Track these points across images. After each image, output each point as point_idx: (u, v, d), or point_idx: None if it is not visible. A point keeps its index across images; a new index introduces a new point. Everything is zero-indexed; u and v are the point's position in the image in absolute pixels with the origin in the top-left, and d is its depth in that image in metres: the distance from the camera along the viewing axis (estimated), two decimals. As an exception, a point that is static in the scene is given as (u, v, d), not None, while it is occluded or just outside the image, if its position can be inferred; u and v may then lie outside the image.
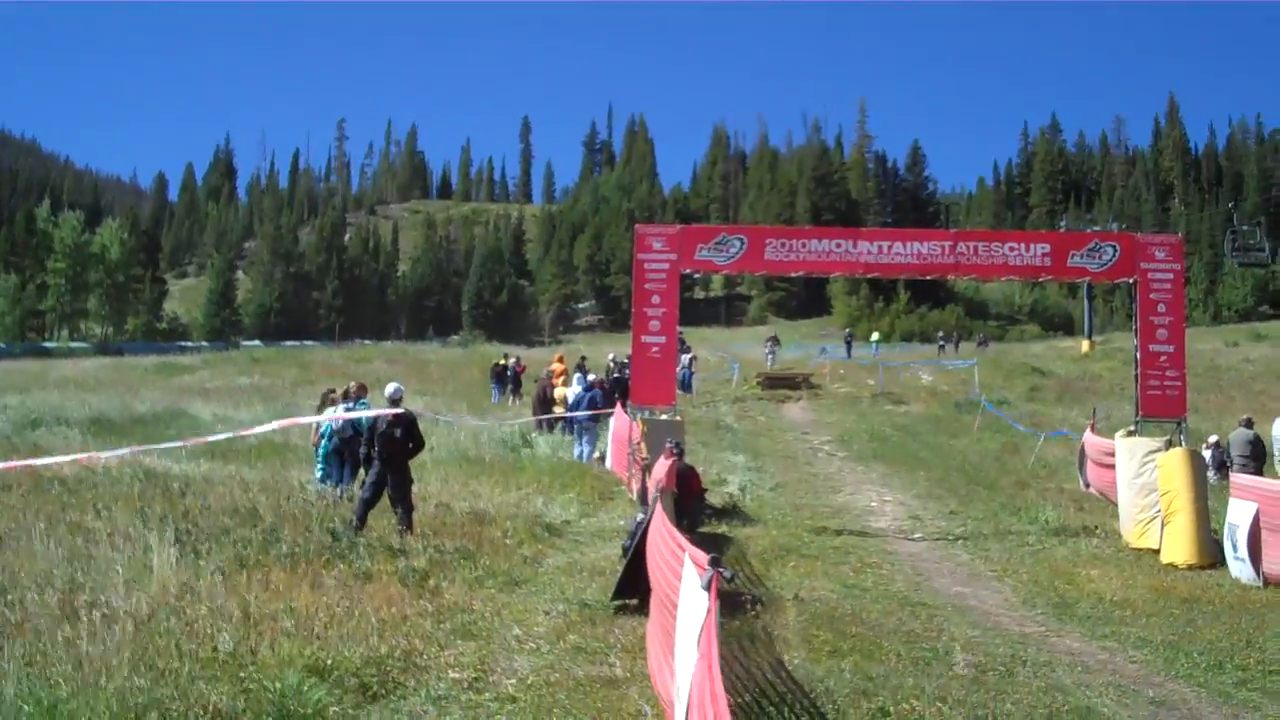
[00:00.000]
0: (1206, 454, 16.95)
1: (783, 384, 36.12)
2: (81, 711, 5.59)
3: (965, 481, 18.65)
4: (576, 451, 19.61)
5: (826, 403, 32.91)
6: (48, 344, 74.08)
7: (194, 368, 39.74)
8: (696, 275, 51.10)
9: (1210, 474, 15.29)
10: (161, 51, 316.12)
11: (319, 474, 14.10)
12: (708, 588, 4.72)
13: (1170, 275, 14.11)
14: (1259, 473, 15.28)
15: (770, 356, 45.14)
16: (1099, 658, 8.08)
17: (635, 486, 14.52)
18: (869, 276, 16.68)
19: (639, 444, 14.65)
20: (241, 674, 6.39)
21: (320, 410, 15.29)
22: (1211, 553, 11.91)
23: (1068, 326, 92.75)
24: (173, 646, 6.75)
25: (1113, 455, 14.39)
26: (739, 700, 6.46)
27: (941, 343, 61.64)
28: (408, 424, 11.57)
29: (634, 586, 8.61)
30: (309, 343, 71.93)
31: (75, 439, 18.55)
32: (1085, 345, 50.58)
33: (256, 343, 72.64)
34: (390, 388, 12.04)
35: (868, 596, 9.96)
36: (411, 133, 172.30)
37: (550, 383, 23.68)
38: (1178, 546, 12.09)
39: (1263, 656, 8.08)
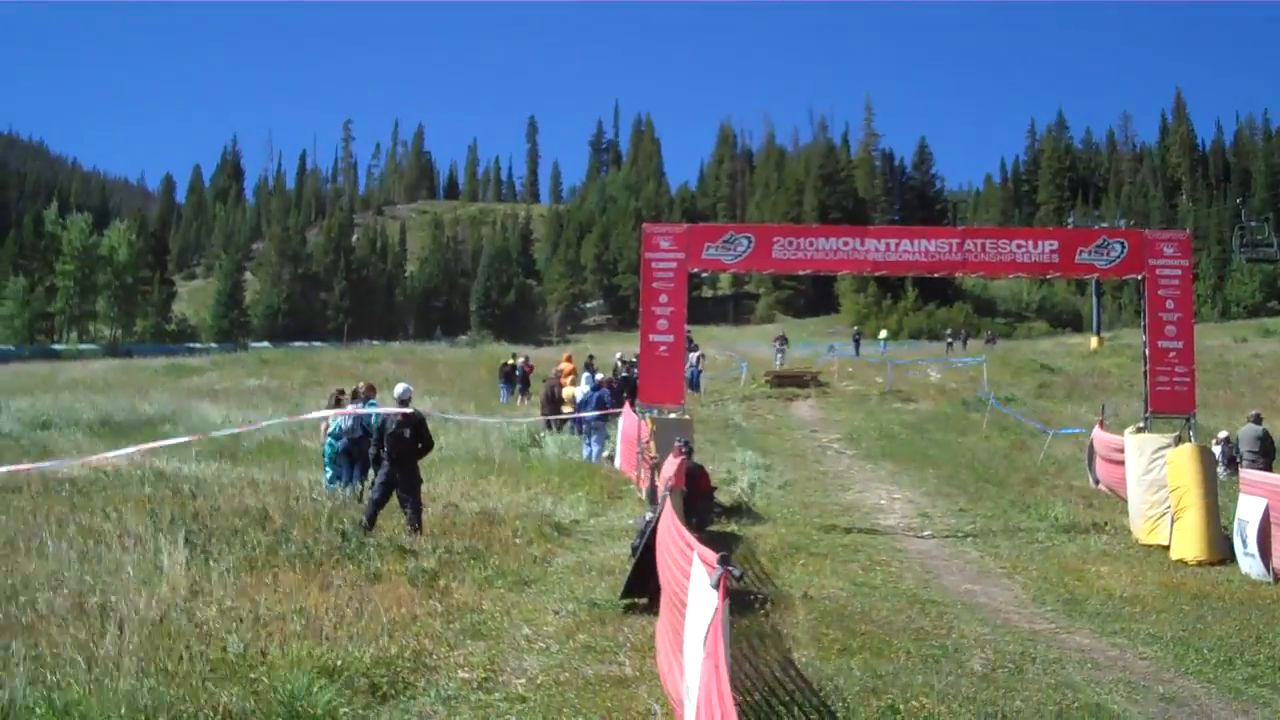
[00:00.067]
0: (1216, 450, 16.90)
1: (791, 382, 36.10)
2: (93, 712, 5.61)
3: (974, 479, 18.62)
4: (585, 451, 19.62)
5: (835, 401, 32.89)
6: (57, 346, 74.43)
7: (203, 369, 39.82)
8: (704, 274, 51.02)
9: (1220, 470, 15.25)
10: (168, 53, 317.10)
11: (328, 475, 14.14)
12: (717, 586, 4.72)
13: (1178, 271, 14.08)
14: (1268, 468, 15.27)
15: (779, 356, 45.09)
16: (1109, 654, 8.06)
17: (644, 485, 14.51)
18: (877, 274, 16.66)
19: (648, 443, 14.65)
20: (251, 675, 6.40)
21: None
22: (1221, 549, 11.89)
23: (1076, 323, 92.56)
24: (183, 648, 6.76)
25: (1122, 452, 14.36)
26: (748, 699, 6.46)
27: (949, 340, 61.66)
28: (417, 424, 11.59)
29: (643, 585, 8.62)
30: (317, 344, 72.18)
31: (84, 440, 18.62)
32: (1094, 342, 50.49)
33: (265, 344, 72.89)
34: (399, 388, 12.06)
35: (877, 594, 9.95)
36: (418, 133, 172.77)
37: (559, 382, 23.68)
38: (1187, 542, 12.07)
39: (1273, 652, 8.05)
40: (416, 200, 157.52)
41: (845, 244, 14.48)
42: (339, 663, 6.71)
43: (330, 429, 13.99)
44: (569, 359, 26.53)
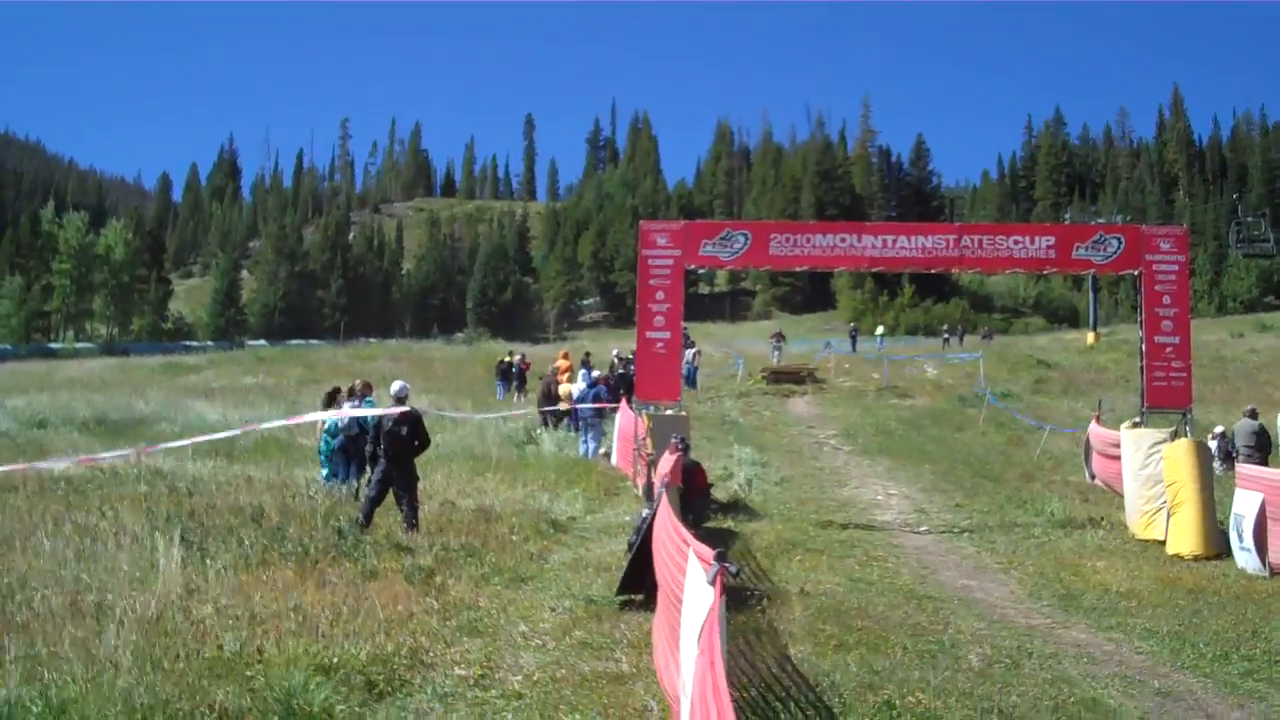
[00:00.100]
0: (1212, 445, 16.90)
1: (788, 378, 36.12)
2: (89, 711, 5.60)
3: (971, 474, 18.63)
4: (582, 448, 19.62)
5: (831, 397, 32.91)
6: (53, 345, 74.34)
7: (199, 367, 39.82)
8: (701, 271, 50.99)
9: (1216, 464, 15.26)
10: (165, 52, 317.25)
11: (324, 472, 14.13)
12: (713, 582, 4.72)
13: (1175, 267, 14.07)
14: (1264, 463, 15.27)
15: (776, 354, 45.04)
16: (1105, 649, 8.07)
17: (641, 482, 14.52)
18: (873, 271, 16.63)
19: (644, 439, 14.65)
20: (248, 673, 6.39)
21: (325, 409, 15.30)
22: (1217, 543, 11.90)
23: (1072, 319, 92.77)
24: (179, 646, 6.76)
25: (1118, 447, 14.37)
26: (745, 695, 6.46)
27: (946, 336, 61.67)
28: (413, 422, 11.58)
29: (638, 582, 8.61)
30: (314, 342, 72.10)
31: (80, 439, 18.60)
32: (1090, 337, 50.55)
33: (262, 342, 72.80)
34: (396, 385, 12.04)
35: (873, 590, 9.95)
36: (415, 131, 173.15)
37: (555, 379, 23.68)
38: (1184, 537, 12.08)
39: (1269, 647, 8.06)
40: (413, 198, 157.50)
41: (842, 240, 14.47)
42: (335, 660, 6.71)
43: (326, 426, 13.99)
44: (566, 356, 26.53)
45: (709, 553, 5.03)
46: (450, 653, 7.37)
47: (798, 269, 15.62)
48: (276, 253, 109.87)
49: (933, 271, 16.53)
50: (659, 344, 14.50)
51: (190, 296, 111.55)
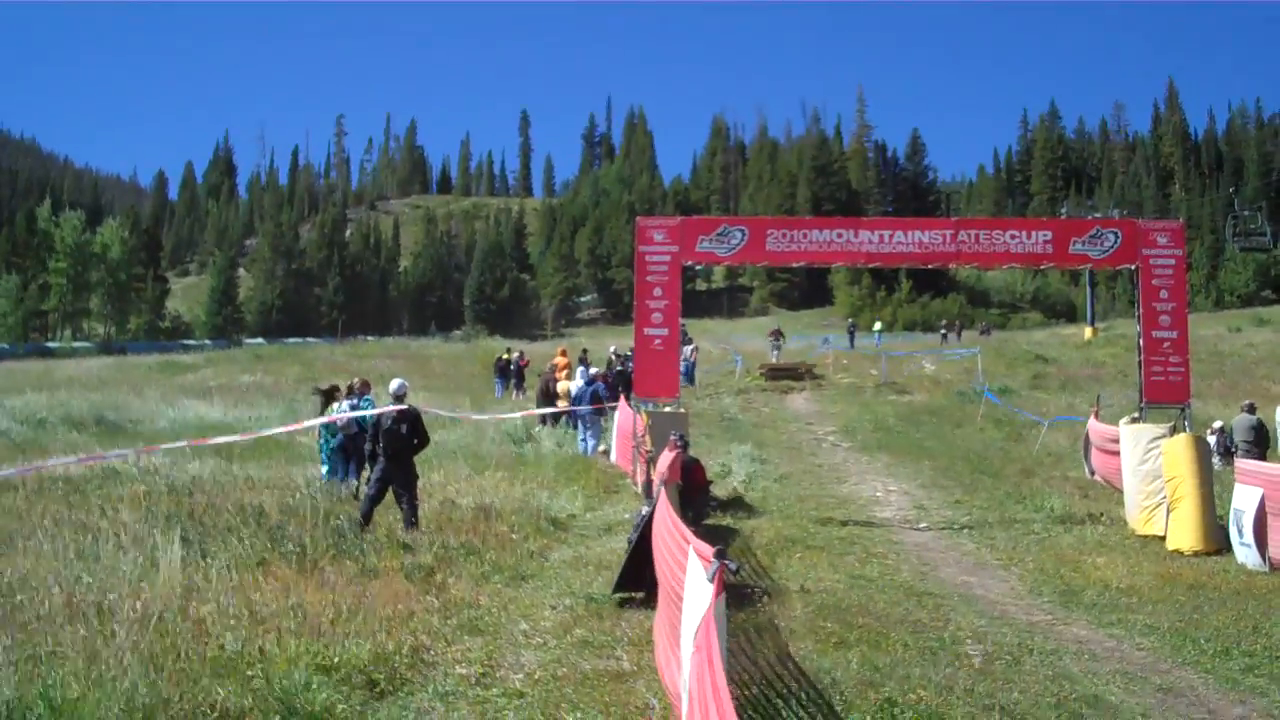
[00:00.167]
0: (1211, 440, 16.94)
1: (786, 375, 36.13)
2: (90, 710, 5.60)
3: (970, 470, 18.63)
4: (581, 445, 19.62)
5: (830, 393, 32.91)
6: (51, 344, 74.25)
7: (197, 366, 39.80)
8: (698, 267, 51.00)
9: (1215, 460, 15.28)
10: (160, 50, 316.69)
11: (325, 469, 14.13)
12: (713, 580, 4.72)
13: (1172, 261, 14.07)
14: (1262, 458, 15.28)
15: (775, 352, 44.92)
16: (1106, 645, 8.07)
17: (640, 479, 14.52)
18: (871, 266, 16.61)
19: (643, 437, 14.64)
20: (249, 672, 6.39)
21: (323, 407, 15.29)
22: (1217, 538, 11.90)
23: (1070, 314, 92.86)
24: (180, 645, 6.75)
25: (1117, 442, 14.38)
26: (746, 693, 6.45)
27: (944, 332, 61.69)
28: (412, 420, 11.58)
29: (636, 579, 8.61)
30: (311, 340, 72.15)
31: (78, 438, 18.59)
32: (1088, 332, 50.61)
33: (259, 340, 72.88)
34: (394, 384, 12.04)
35: (874, 587, 9.94)
36: (411, 128, 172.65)
37: (553, 377, 23.68)
38: (1183, 532, 12.08)
39: (1269, 642, 8.06)
40: (409, 195, 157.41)
41: (839, 236, 14.45)
42: (336, 659, 6.71)
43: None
44: (563, 353, 26.53)
45: (709, 550, 5.02)
46: (451, 651, 7.37)
47: (795, 265, 15.61)
48: (273, 251, 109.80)
49: (930, 267, 16.51)
50: (657, 341, 14.49)
51: (187, 295, 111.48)
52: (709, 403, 29.40)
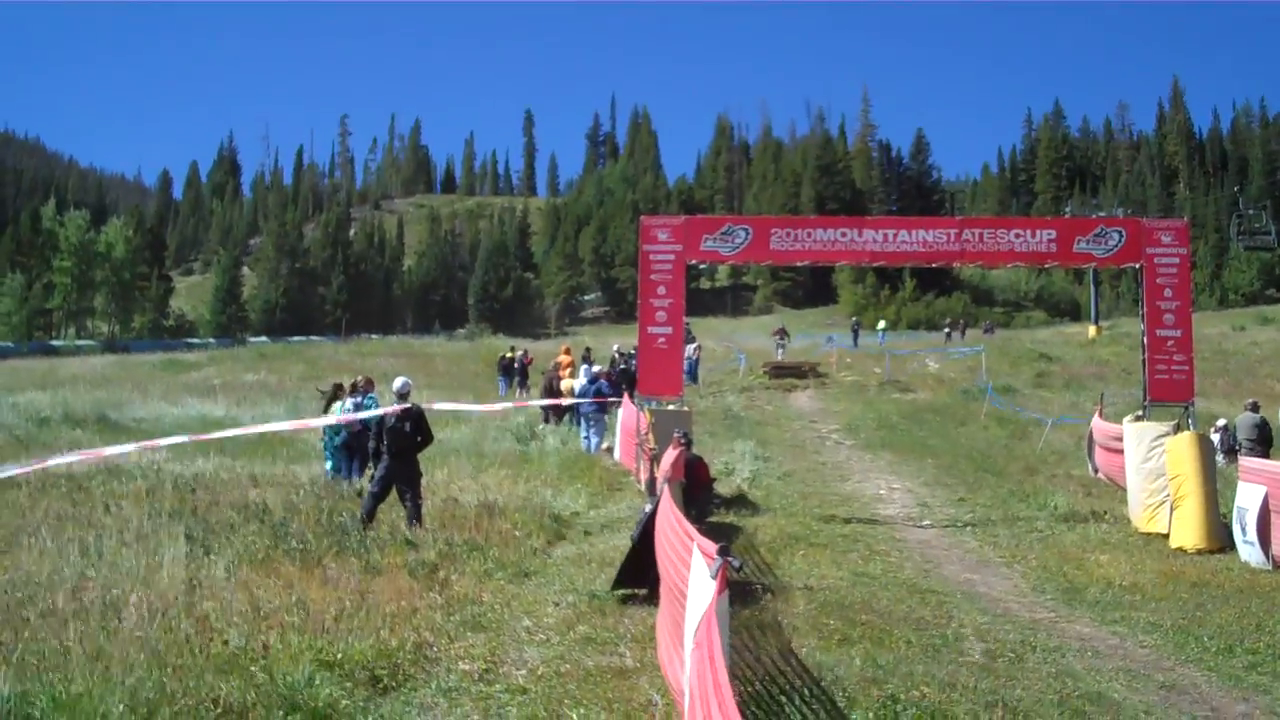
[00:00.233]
0: (1214, 438, 16.91)
1: (790, 373, 36.12)
2: (95, 706, 5.61)
3: (973, 468, 18.62)
4: (584, 443, 19.63)
5: (833, 391, 32.90)
6: (55, 342, 74.23)
7: (200, 364, 39.83)
8: (702, 266, 51.04)
9: (1219, 458, 15.26)
10: (164, 50, 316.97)
11: (329, 465, 14.15)
12: (716, 577, 4.72)
13: (1176, 260, 14.05)
14: (1265, 456, 15.25)
15: (780, 350, 44.86)
16: (1109, 643, 8.07)
17: (643, 477, 14.52)
18: (875, 265, 16.61)
19: (647, 434, 14.65)
20: (252, 668, 6.39)
21: (327, 405, 15.32)
22: (1220, 536, 11.89)
23: (1074, 312, 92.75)
24: (183, 642, 6.77)
25: (1121, 440, 14.36)
26: (749, 689, 6.46)
27: (948, 330, 61.63)
28: (416, 418, 11.59)
29: (638, 576, 8.62)
30: (315, 338, 72.15)
31: (82, 436, 18.62)
32: (1092, 331, 50.59)
33: (263, 339, 72.88)
34: (398, 382, 12.04)
35: (877, 584, 9.95)
36: (415, 127, 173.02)
37: (557, 375, 23.69)
38: (1187, 531, 12.07)
39: (1273, 640, 8.06)
40: (414, 194, 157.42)
41: (843, 235, 14.45)
42: (339, 655, 6.72)
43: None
44: (567, 351, 26.55)
45: (712, 547, 5.03)
46: (454, 648, 7.37)
47: (799, 264, 15.64)
48: (277, 249, 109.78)
49: (934, 266, 16.49)
50: (661, 339, 14.50)
51: (191, 294, 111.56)
52: (712, 401, 29.39)
